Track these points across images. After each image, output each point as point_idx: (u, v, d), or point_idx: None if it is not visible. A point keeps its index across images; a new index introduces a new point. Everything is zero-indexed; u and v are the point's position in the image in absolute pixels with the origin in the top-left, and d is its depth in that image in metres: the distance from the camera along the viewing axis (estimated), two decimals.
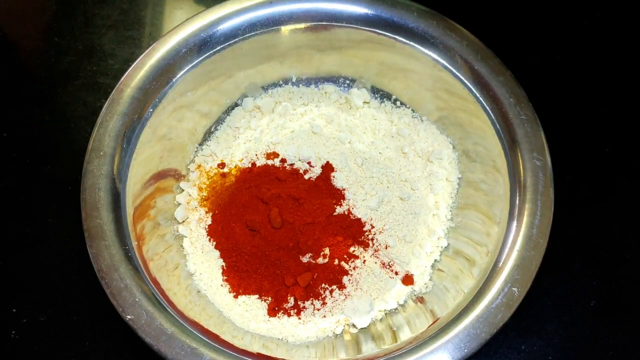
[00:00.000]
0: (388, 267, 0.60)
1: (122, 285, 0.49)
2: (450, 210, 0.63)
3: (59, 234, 0.63)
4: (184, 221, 0.62)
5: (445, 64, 0.61)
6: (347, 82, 0.69)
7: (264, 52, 0.65)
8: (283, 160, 0.64)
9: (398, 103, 0.68)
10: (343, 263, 0.59)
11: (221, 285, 0.58)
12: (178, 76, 0.60)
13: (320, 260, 0.59)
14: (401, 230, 0.61)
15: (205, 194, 0.63)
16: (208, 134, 0.67)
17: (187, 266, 0.59)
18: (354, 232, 0.60)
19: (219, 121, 0.67)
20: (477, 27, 0.61)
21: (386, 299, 0.58)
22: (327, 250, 0.59)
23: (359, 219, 0.60)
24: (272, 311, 0.57)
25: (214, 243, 0.60)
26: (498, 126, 0.57)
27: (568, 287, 0.61)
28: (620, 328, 0.59)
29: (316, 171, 0.63)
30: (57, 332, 0.59)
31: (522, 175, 0.54)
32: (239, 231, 0.59)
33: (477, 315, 0.48)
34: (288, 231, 0.59)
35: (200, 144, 0.66)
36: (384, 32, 0.62)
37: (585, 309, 0.60)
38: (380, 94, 0.69)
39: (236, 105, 0.68)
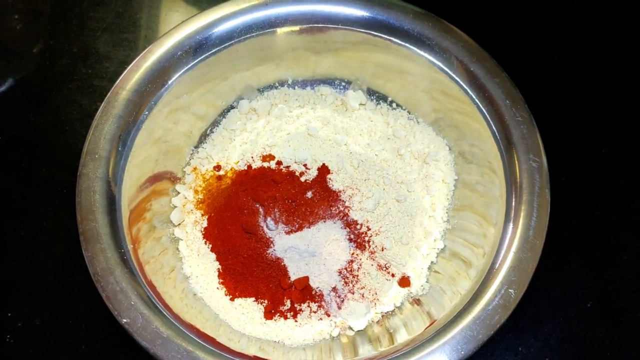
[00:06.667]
0: (384, 269, 0.59)
1: (118, 288, 0.49)
2: (447, 212, 0.63)
3: (54, 237, 0.63)
4: (179, 224, 0.62)
5: (441, 65, 0.61)
6: (343, 84, 0.69)
7: (259, 54, 0.65)
8: (279, 163, 0.64)
9: (394, 105, 0.68)
10: None
11: (217, 288, 0.58)
12: (173, 79, 0.60)
13: None
14: (397, 232, 0.60)
15: (201, 196, 0.63)
16: (204, 137, 0.67)
17: (183, 269, 0.59)
18: (350, 234, 0.60)
19: (215, 123, 0.67)
20: (473, 28, 0.61)
21: (383, 301, 0.58)
22: None
23: (355, 221, 0.60)
24: (269, 314, 0.57)
25: (210, 246, 0.60)
26: (494, 128, 0.57)
27: (564, 288, 0.61)
28: (616, 329, 0.59)
29: (312, 173, 0.63)
30: (52, 336, 0.58)
31: (518, 176, 0.54)
32: (235, 234, 0.59)
33: (474, 317, 0.48)
34: None
35: (196, 147, 0.66)
36: (379, 34, 0.62)
37: (581, 310, 0.60)
38: (376, 95, 0.69)
39: (232, 107, 0.68)
